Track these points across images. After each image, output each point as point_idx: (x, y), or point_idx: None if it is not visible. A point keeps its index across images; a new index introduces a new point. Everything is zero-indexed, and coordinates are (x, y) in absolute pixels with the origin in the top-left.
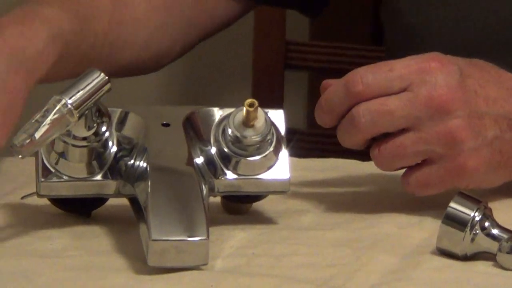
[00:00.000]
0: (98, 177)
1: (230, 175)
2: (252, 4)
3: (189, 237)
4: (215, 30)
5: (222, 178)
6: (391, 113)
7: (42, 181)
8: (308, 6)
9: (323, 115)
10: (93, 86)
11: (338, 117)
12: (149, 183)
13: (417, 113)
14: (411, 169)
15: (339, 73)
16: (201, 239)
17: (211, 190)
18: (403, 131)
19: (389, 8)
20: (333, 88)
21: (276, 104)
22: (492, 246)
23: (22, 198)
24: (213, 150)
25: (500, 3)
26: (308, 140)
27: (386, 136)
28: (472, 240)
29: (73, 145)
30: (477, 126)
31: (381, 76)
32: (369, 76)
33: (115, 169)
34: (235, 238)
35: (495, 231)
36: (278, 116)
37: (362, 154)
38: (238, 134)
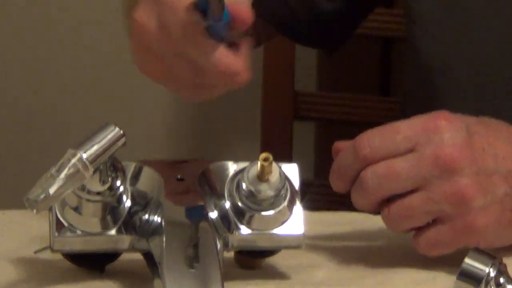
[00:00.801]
0: (112, 232)
1: (244, 230)
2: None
3: None
4: None
5: (236, 233)
6: (398, 175)
7: (56, 236)
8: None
9: (337, 181)
10: (108, 140)
11: (350, 181)
12: (164, 238)
13: (424, 173)
14: (421, 229)
15: (347, 124)
16: None
17: (225, 245)
18: (411, 191)
19: (409, 52)
20: (343, 153)
21: (285, 154)
22: None
23: (36, 252)
24: (227, 204)
25: None
26: (316, 192)
27: (395, 197)
28: None
29: (87, 200)
30: (485, 184)
31: (387, 138)
32: (375, 139)
33: (129, 223)
34: None
35: (510, 287)
36: (292, 170)
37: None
38: (253, 189)
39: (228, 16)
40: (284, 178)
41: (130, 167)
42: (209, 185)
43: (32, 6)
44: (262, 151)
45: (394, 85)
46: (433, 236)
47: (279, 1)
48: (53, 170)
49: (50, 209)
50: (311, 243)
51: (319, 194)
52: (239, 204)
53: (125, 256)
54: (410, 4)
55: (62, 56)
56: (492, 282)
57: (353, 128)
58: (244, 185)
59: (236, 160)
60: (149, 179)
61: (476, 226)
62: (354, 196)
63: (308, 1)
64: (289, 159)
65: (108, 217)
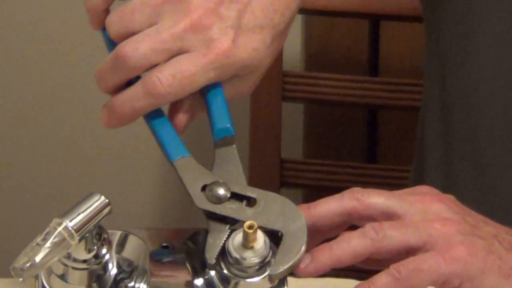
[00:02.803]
0: None
1: None
2: None
3: None
4: None
5: None
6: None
7: None
8: None
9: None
10: (93, 209)
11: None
12: None
13: None
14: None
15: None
16: None
17: None
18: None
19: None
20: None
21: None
22: None
23: None
24: (213, 272)
25: None
26: (304, 169)
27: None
28: None
29: (73, 268)
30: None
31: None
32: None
33: None
34: None
35: None
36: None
37: (363, 272)
38: (238, 256)
39: None
40: (269, 245)
41: (116, 235)
42: (194, 252)
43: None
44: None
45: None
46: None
47: None
48: (39, 239)
49: (36, 277)
50: None
51: (307, 172)
52: (224, 271)
53: None
54: None
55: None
56: None
57: (341, 109)
58: (229, 253)
59: None
60: (134, 247)
61: (459, 254)
62: None
63: None
64: (277, 140)
65: (94, 285)
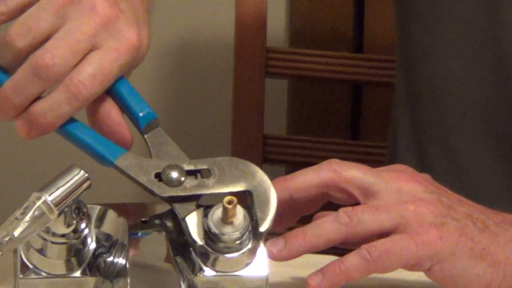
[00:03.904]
0: (77, 274)
1: (208, 272)
2: None
3: None
4: None
5: (201, 275)
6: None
7: (20, 278)
8: None
9: None
10: (72, 184)
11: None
12: (128, 280)
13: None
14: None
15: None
16: None
17: (190, 287)
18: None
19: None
20: None
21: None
22: None
23: None
24: (192, 247)
25: None
26: (288, 145)
27: None
28: None
29: (52, 242)
30: (445, 207)
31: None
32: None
33: (94, 265)
34: None
35: None
36: None
37: (343, 250)
38: (217, 231)
39: None
40: (248, 221)
41: (95, 210)
42: (173, 227)
43: None
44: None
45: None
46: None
47: None
48: (17, 213)
49: (15, 251)
50: (277, 286)
51: (291, 148)
52: (204, 246)
53: None
54: None
55: None
56: None
57: (325, 86)
58: (208, 228)
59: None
60: (113, 222)
61: (430, 237)
62: None
63: None
64: (260, 116)
65: (73, 259)
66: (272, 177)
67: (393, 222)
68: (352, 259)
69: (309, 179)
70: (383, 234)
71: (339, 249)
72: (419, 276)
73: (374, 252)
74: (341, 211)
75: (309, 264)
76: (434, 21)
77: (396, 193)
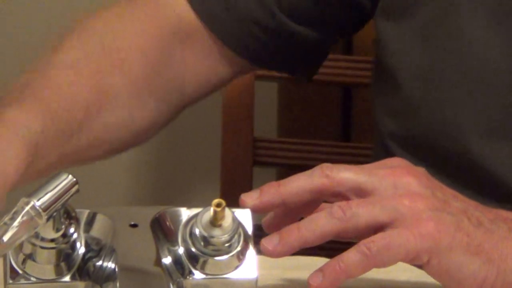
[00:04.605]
0: (67, 279)
1: (198, 275)
2: (247, 66)
3: None
4: (203, 94)
5: (190, 278)
6: None
7: (10, 283)
8: (301, 70)
9: None
10: (61, 188)
11: None
12: (118, 284)
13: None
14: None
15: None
16: None
17: None
18: None
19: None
20: None
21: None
22: None
23: None
24: (181, 250)
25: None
26: (278, 148)
27: None
28: None
29: (41, 247)
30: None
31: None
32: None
33: (83, 270)
34: None
35: None
36: (245, 215)
37: (333, 250)
38: (206, 234)
39: None
40: (237, 223)
41: (84, 214)
42: (162, 230)
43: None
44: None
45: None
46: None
47: (242, 27)
48: (6, 218)
49: (4, 257)
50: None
51: (281, 150)
52: (193, 249)
53: None
54: None
55: None
56: None
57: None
58: (197, 231)
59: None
60: (102, 226)
61: (428, 230)
62: None
63: (279, 26)
64: (250, 119)
65: (62, 264)
66: (263, 180)
67: (388, 216)
68: (352, 255)
69: (302, 185)
70: (378, 228)
71: (331, 250)
72: (418, 275)
73: (374, 247)
74: (336, 205)
75: (301, 266)
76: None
77: (392, 188)
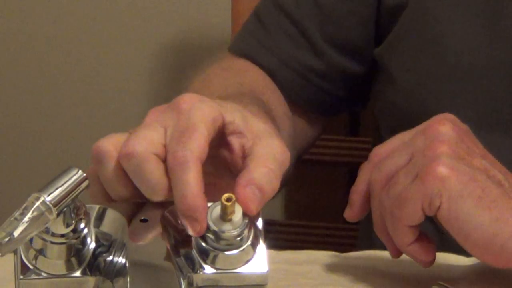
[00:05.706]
0: (77, 274)
1: (208, 269)
2: (323, 120)
3: None
4: (306, 150)
5: (201, 273)
6: None
7: (21, 279)
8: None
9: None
10: (71, 184)
11: None
12: (128, 279)
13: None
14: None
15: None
16: None
17: (190, 285)
18: None
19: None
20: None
21: None
22: None
23: None
24: (191, 245)
25: (496, 86)
26: (285, 231)
27: None
28: None
29: (52, 242)
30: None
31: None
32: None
33: (93, 265)
34: None
35: None
36: None
37: (338, 245)
38: (216, 229)
39: None
40: (247, 218)
41: (94, 210)
42: (172, 225)
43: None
44: None
45: None
46: (397, 189)
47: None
48: (16, 214)
49: (15, 252)
50: (276, 282)
51: (288, 234)
52: (203, 244)
53: None
54: None
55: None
56: None
57: (323, 168)
58: (208, 226)
59: None
60: (112, 221)
61: (438, 173)
62: None
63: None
64: None
65: (73, 259)
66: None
67: (407, 156)
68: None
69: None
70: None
71: (340, 245)
72: (418, 271)
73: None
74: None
75: (309, 261)
76: None
77: (422, 137)
